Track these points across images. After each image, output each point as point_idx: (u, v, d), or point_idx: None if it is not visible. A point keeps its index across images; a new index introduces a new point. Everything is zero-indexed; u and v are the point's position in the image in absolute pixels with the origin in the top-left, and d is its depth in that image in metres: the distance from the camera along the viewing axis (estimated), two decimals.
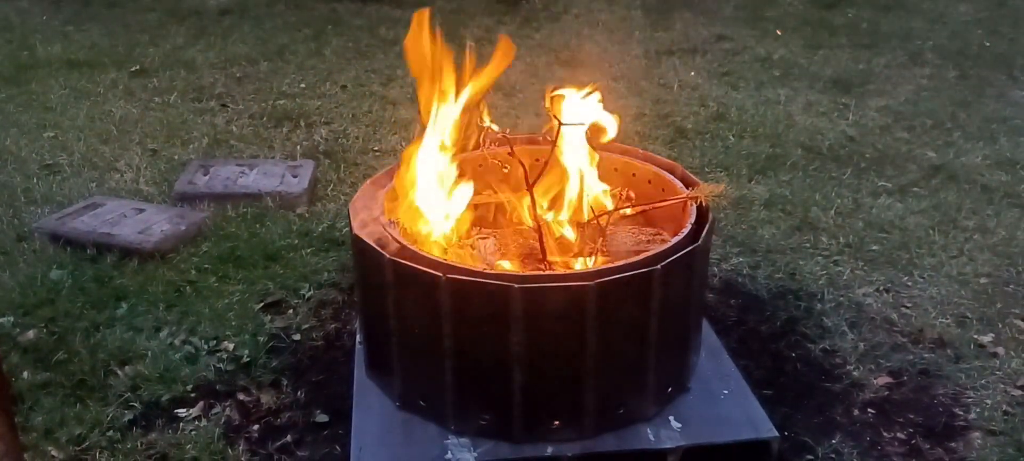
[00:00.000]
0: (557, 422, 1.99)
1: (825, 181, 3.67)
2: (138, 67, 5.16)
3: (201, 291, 2.79)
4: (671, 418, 2.08)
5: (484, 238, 2.24)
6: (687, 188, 2.23)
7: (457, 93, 2.14)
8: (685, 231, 2.03)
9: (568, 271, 2.03)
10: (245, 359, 2.46)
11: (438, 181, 2.17)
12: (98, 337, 2.54)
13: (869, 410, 2.31)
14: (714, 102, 4.62)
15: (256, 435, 2.20)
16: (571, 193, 2.23)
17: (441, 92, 2.12)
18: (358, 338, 2.37)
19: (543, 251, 2.12)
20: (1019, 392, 2.37)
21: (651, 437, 2.03)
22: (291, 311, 2.72)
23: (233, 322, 2.63)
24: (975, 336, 2.60)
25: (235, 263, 2.95)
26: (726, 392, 2.19)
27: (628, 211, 2.26)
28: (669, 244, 1.98)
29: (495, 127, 2.13)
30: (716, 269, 2.95)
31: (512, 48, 2.12)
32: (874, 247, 3.13)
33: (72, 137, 4.07)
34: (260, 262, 2.96)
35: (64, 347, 2.49)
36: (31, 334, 2.55)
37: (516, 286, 1.83)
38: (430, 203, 2.16)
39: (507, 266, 2.11)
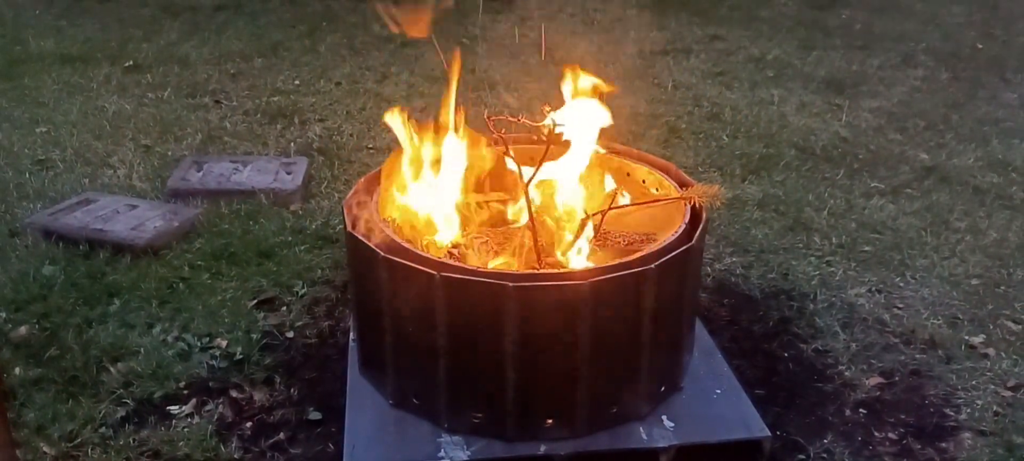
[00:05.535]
0: (550, 420, 2.00)
1: (818, 182, 3.68)
2: (132, 63, 5.14)
3: (194, 288, 2.79)
4: (664, 417, 2.08)
5: (479, 236, 2.24)
6: (682, 188, 2.23)
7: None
8: (679, 231, 2.04)
9: (562, 270, 2.03)
10: (238, 356, 2.46)
11: (434, 178, 2.17)
12: (90, 333, 2.53)
13: (861, 410, 2.32)
14: (708, 102, 4.63)
15: (249, 432, 2.20)
16: (566, 192, 2.23)
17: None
18: (351, 336, 2.36)
19: (537, 250, 2.12)
20: (1009, 393, 2.38)
21: (644, 436, 2.03)
22: (284, 308, 2.71)
23: (226, 319, 2.62)
24: (966, 337, 2.62)
25: (228, 260, 2.94)
26: (719, 391, 2.19)
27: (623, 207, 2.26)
28: (663, 244, 1.98)
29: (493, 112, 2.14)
30: (709, 269, 2.95)
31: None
32: (866, 248, 3.14)
33: (65, 132, 4.06)
34: (253, 259, 2.95)
35: (56, 343, 2.48)
36: (23, 330, 2.54)
37: (510, 285, 1.84)
38: (425, 201, 2.16)
39: (501, 265, 2.11)
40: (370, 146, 3.99)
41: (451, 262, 1.94)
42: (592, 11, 6.38)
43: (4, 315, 2.61)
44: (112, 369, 2.39)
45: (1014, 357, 2.53)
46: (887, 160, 3.93)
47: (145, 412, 2.25)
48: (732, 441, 2.06)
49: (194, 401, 2.29)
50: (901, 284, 2.91)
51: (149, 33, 5.74)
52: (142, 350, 2.46)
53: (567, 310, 1.87)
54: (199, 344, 2.51)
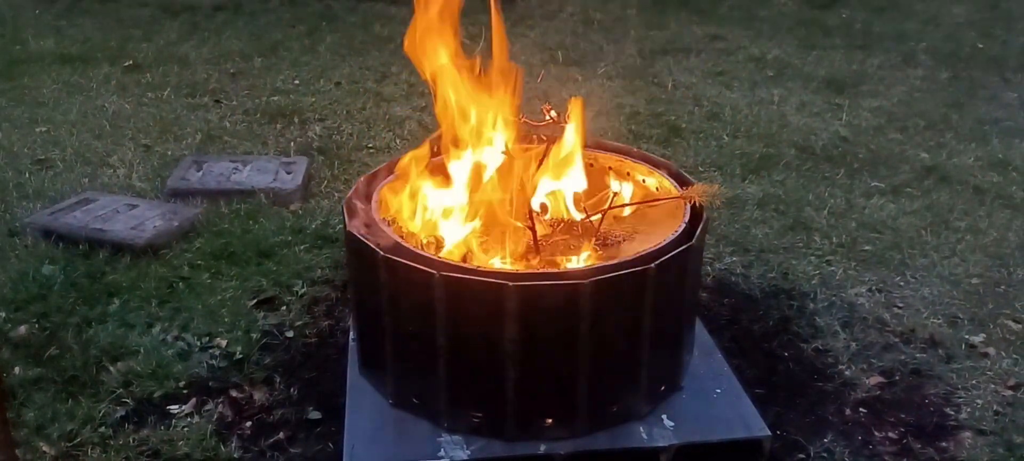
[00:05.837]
0: (550, 420, 2.00)
1: (818, 181, 3.68)
2: (131, 62, 5.14)
3: (194, 287, 2.78)
4: (664, 417, 2.08)
5: (479, 235, 2.23)
6: (682, 188, 2.23)
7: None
8: (679, 230, 2.04)
9: (562, 269, 2.03)
10: (238, 356, 2.46)
11: (434, 178, 2.17)
12: (90, 333, 2.53)
13: (861, 409, 2.32)
14: (708, 102, 4.63)
15: (248, 432, 2.20)
16: (566, 191, 2.23)
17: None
18: (351, 335, 2.36)
19: (537, 249, 2.12)
20: (1009, 392, 2.38)
21: (644, 435, 2.03)
22: (284, 308, 2.71)
23: (226, 319, 2.62)
24: (966, 336, 2.62)
25: (228, 259, 2.94)
26: (719, 391, 2.19)
27: (624, 210, 2.26)
28: (663, 243, 1.98)
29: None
30: (709, 268, 2.95)
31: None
32: (867, 247, 3.14)
33: (64, 132, 4.06)
34: (253, 259, 2.95)
35: (56, 343, 2.48)
36: (23, 330, 2.54)
37: (510, 284, 1.83)
38: (425, 200, 2.16)
39: (501, 264, 2.11)
40: (370, 146, 3.99)
41: (451, 262, 1.94)
42: (592, 10, 6.37)
43: (4, 315, 2.61)
44: (112, 369, 2.38)
45: (1014, 356, 2.53)
46: (887, 160, 3.93)
47: (145, 412, 2.24)
48: (732, 440, 2.05)
49: (194, 401, 2.29)
50: (901, 283, 2.91)
51: (149, 33, 5.74)
52: (142, 350, 2.46)
53: (567, 310, 1.87)
54: (199, 344, 2.51)
